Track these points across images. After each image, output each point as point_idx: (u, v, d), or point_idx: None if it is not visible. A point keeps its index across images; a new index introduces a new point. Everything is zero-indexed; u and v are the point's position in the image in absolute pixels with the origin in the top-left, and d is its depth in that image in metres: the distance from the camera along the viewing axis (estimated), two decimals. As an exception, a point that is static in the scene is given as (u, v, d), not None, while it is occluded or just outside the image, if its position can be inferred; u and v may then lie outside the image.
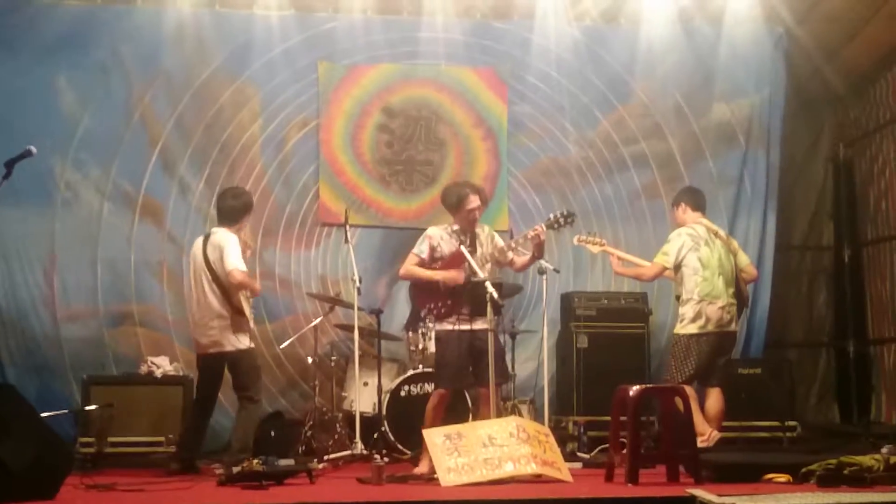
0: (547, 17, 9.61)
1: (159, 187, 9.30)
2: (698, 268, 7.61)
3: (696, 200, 7.95)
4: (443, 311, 7.08)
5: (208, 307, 7.29)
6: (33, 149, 5.66)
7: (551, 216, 7.25)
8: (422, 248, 7.20)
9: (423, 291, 7.21)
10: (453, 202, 7.18)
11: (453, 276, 7.04)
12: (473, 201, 7.11)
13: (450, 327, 7.05)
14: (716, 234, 7.78)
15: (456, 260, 7.08)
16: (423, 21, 9.58)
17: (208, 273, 7.30)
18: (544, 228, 7.09)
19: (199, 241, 7.50)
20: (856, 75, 10.17)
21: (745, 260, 7.96)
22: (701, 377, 7.65)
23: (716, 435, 7.43)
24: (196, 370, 7.67)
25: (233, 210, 7.48)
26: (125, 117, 9.26)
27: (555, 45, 9.73)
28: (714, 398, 7.63)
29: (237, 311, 7.28)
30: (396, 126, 9.75)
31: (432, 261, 7.17)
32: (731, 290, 7.66)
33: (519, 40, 9.79)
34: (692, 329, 7.59)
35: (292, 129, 9.59)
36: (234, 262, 7.18)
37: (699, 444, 6.84)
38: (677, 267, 7.69)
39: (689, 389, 7.33)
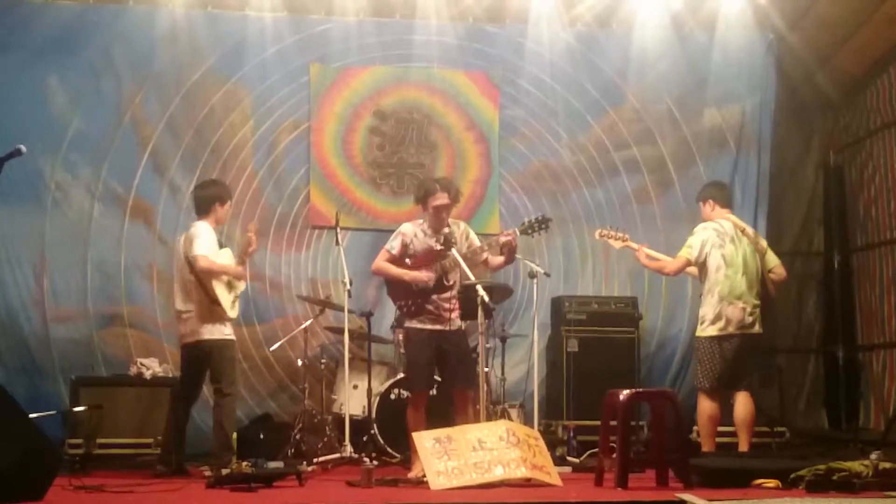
0: (540, 21, 9.63)
1: (150, 188, 9.28)
2: (721, 265, 7.41)
3: (724, 197, 7.77)
4: (413, 308, 7.05)
5: (185, 298, 7.41)
6: (23, 148, 5.62)
7: (525, 221, 7.18)
8: (393, 244, 7.14)
9: (395, 289, 7.19)
10: (420, 196, 7.12)
11: (422, 277, 6.98)
12: (440, 198, 7.01)
13: (419, 325, 7.03)
14: (743, 232, 7.57)
15: (428, 257, 7.03)
16: (416, 24, 9.58)
17: (186, 265, 7.41)
18: (517, 234, 7.01)
19: (183, 235, 7.64)
20: (847, 81, 10.19)
21: (774, 260, 7.73)
22: (728, 381, 7.45)
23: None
24: (180, 364, 7.70)
25: (200, 199, 7.58)
26: (116, 118, 9.24)
27: (548, 50, 9.74)
28: (741, 402, 7.46)
29: (211, 300, 7.32)
30: (388, 129, 9.75)
31: (404, 257, 7.12)
32: (756, 291, 7.45)
33: (512, 44, 9.79)
34: (712, 331, 7.41)
35: (283, 131, 9.58)
36: (199, 250, 7.27)
37: None
38: (701, 263, 7.51)
39: (709, 405, 7.32)
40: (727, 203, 7.77)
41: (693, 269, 7.69)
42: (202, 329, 7.32)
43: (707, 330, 7.46)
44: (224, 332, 7.38)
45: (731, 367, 7.42)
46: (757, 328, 7.53)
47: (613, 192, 9.93)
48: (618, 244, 7.97)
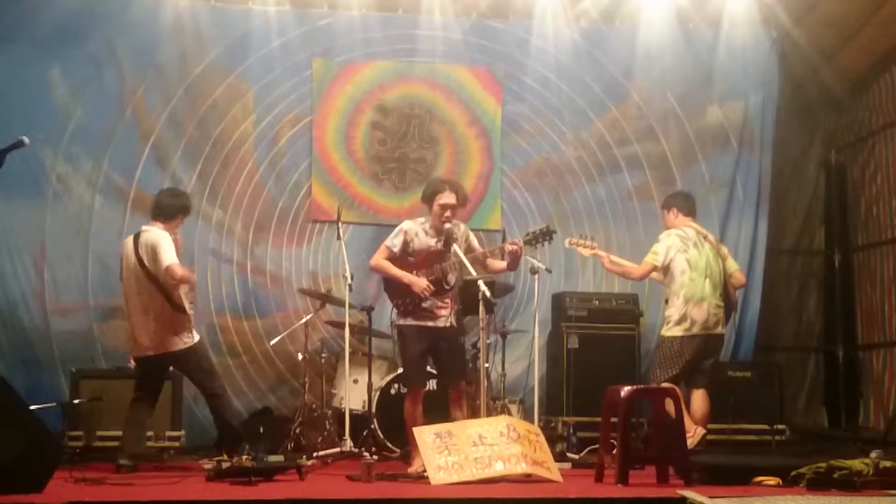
0: (544, 17, 9.64)
1: (151, 181, 9.25)
2: (685, 269, 7.64)
3: (688, 206, 7.99)
4: (409, 307, 7.03)
5: (146, 308, 7.13)
6: (26, 139, 5.61)
7: (529, 232, 7.16)
8: (395, 242, 7.10)
9: (393, 287, 7.15)
10: (427, 194, 7.09)
11: (421, 285, 6.91)
12: (446, 197, 6.96)
13: (412, 322, 7.01)
14: (705, 238, 7.82)
15: (428, 258, 7.02)
16: (420, 19, 9.59)
17: (142, 273, 7.12)
18: (522, 244, 7.00)
19: (129, 240, 7.33)
20: (850, 79, 10.18)
21: (733, 266, 8.01)
22: (686, 379, 7.65)
23: (700, 431, 7.45)
24: (136, 372, 7.45)
25: (171, 207, 7.34)
26: (118, 110, 9.23)
27: (551, 46, 9.74)
28: (700, 400, 7.64)
29: (178, 309, 7.12)
30: (390, 123, 9.74)
31: (405, 255, 7.09)
32: (719, 293, 7.69)
33: (516, 40, 9.79)
34: (677, 331, 7.61)
35: (285, 125, 9.58)
36: (170, 259, 7.03)
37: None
38: (665, 268, 7.71)
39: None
40: (690, 212, 7.97)
41: (658, 275, 7.90)
42: (169, 340, 7.10)
43: (672, 330, 7.66)
44: (192, 338, 7.21)
45: (691, 366, 7.61)
46: (719, 329, 7.75)
47: (615, 188, 9.94)
48: (587, 252, 8.16)
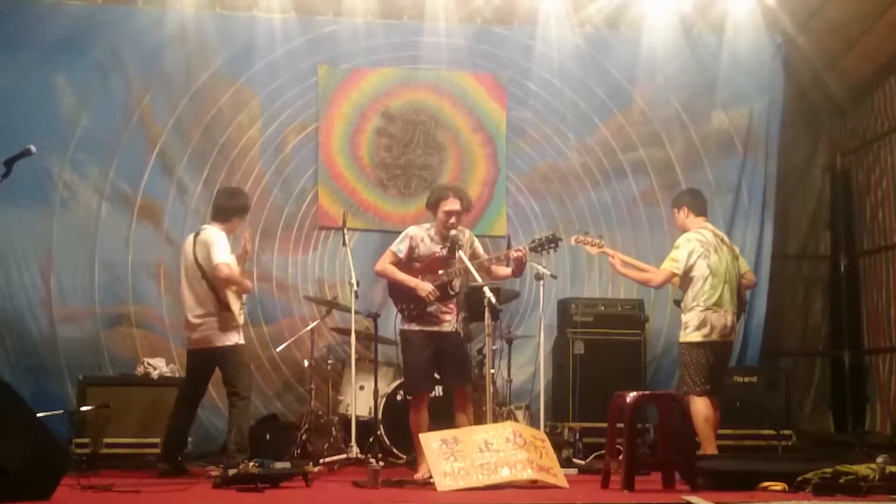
0: (549, 23, 9.64)
1: (157, 189, 9.30)
2: (707, 275, 7.43)
3: (699, 204, 7.78)
4: (414, 313, 7.05)
5: (196, 304, 7.38)
6: (33, 148, 5.64)
7: (535, 239, 7.13)
8: (400, 247, 7.13)
9: (397, 292, 7.17)
10: (432, 201, 7.13)
11: (425, 289, 6.92)
12: (451, 204, 7.01)
13: (417, 328, 7.03)
14: (722, 241, 7.64)
15: (433, 263, 7.04)
16: (424, 26, 9.60)
17: (197, 270, 7.37)
18: (527, 251, 6.99)
19: (190, 238, 7.59)
20: (854, 85, 10.19)
21: (744, 266, 7.88)
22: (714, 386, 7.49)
23: None
24: (186, 366, 7.72)
25: (224, 209, 7.54)
26: (124, 118, 9.25)
27: (556, 52, 9.74)
28: (713, 406, 7.54)
29: (224, 307, 7.32)
30: (395, 130, 9.76)
31: (410, 261, 7.12)
32: (734, 299, 7.53)
33: (520, 46, 9.80)
34: (696, 337, 7.42)
35: (291, 132, 9.60)
36: (221, 257, 7.24)
37: None
38: (685, 273, 7.54)
39: (705, 407, 7.28)
40: (702, 211, 7.76)
41: (677, 280, 7.71)
42: (214, 336, 7.33)
43: (691, 336, 7.47)
44: (235, 338, 7.39)
45: (717, 373, 7.49)
46: (733, 336, 7.69)
47: (620, 194, 9.94)
48: (594, 250, 7.94)
